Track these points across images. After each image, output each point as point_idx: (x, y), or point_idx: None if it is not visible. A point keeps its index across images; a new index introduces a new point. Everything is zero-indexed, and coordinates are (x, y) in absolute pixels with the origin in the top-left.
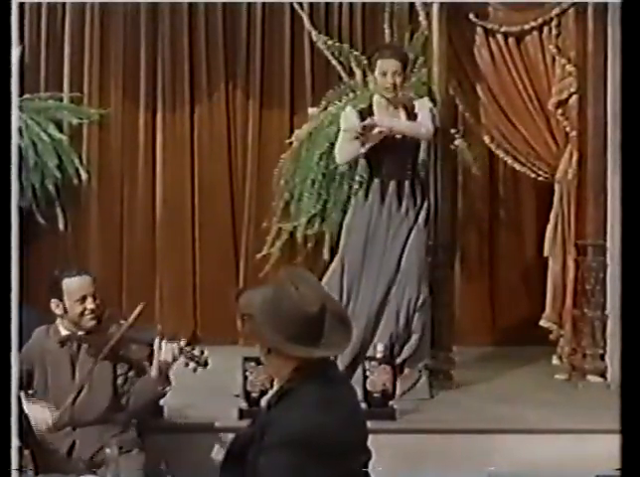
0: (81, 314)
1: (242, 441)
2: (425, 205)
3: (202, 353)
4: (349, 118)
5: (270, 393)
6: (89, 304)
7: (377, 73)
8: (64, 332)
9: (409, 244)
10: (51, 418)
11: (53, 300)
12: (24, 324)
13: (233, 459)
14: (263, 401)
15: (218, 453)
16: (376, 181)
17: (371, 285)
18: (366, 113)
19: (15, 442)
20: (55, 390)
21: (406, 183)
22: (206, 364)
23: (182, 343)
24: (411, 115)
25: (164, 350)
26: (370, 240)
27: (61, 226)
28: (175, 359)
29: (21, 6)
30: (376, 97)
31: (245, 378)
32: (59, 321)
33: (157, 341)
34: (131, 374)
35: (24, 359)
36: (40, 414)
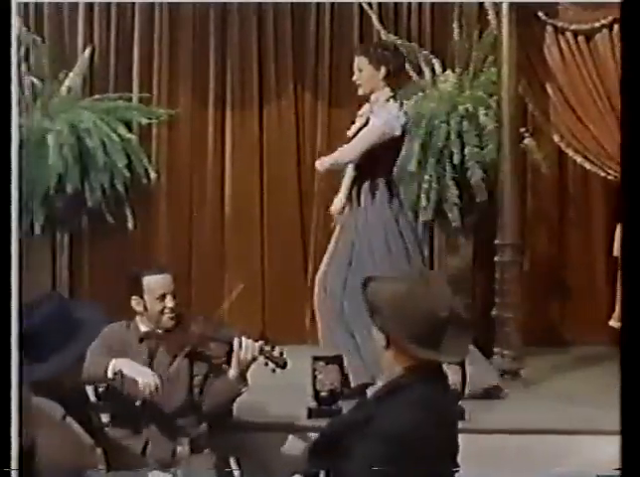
0: (161, 312)
1: (340, 427)
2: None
3: (281, 354)
4: None
5: (378, 385)
6: (169, 302)
7: None
8: (143, 329)
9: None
10: (155, 384)
11: (133, 297)
12: (91, 321)
13: (325, 444)
14: (370, 392)
15: (291, 447)
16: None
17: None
18: None
19: (15, 442)
20: (130, 384)
21: (380, 181)
22: (285, 365)
23: (262, 342)
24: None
25: (244, 348)
26: (348, 240)
27: (130, 225)
28: (255, 358)
29: (90, 7)
30: None
31: (315, 377)
32: (138, 318)
33: (237, 339)
34: (207, 372)
35: (103, 349)
36: (146, 378)
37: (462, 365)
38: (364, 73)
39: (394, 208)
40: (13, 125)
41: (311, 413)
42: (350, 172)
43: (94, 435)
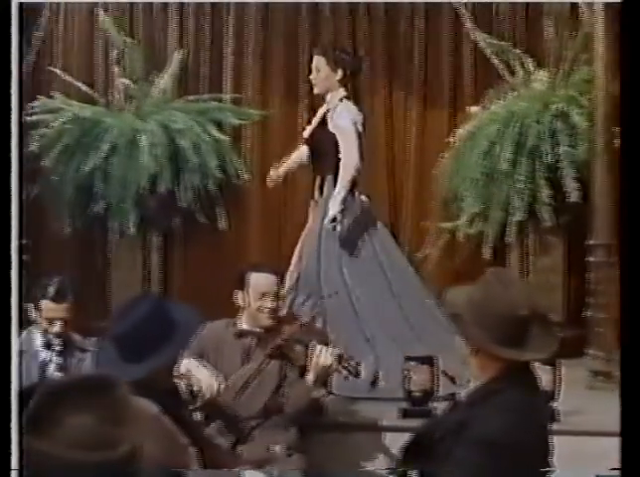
0: (259, 310)
1: (434, 430)
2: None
3: (357, 364)
4: None
5: (470, 389)
6: (268, 303)
7: None
8: (242, 326)
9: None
10: (217, 387)
11: (239, 291)
12: (186, 322)
13: (419, 445)
14: (464, 396)
15: (381, 463)
16: (318, 178)
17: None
18: None
19: (15, 442)
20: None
21: (328, 178)
22: (358, 375)
23: (341, 351)
24: (326, 117)
25: (322, 355)
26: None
27: (222, 225)
28: (330, 366)
29: (181, 7)
30: None
31: (407, 377)
32: (240, 315)
33: (319, 346)
34: (292, 376)
35: (197, 347)
36: (208, 380)
37: (554, 365)
38: (321, 73)
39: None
40: (13, 126)
41: (405, 414)
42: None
43: (188, 434)
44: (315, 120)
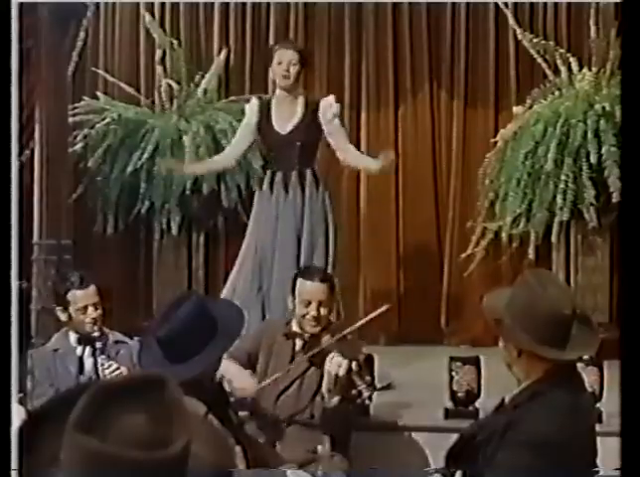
0: (303, 317)
1: (479, 432)
2: (316, 195)
3: (370, 385)
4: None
5: (515, 391)
6: (312, 310)
7: (274, 63)
8: (293, 327)
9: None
10: (253, 388)
11: (290, 296)
12: (229, 319)
13: (463, 446)
14: (507, 398)
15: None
16: (268, 173)
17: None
18: (265, 107)
19: (14, 440)
20: (271, 377)
21: (294, 174)
22: (368, 399)
23: (354, 365)
24: (309, 112)
25: (332, 363)
26: (268, 230)
27: None
28: (338, 377)
29: (226, 7)
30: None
31: (452, 377)
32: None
33: (331, 354)
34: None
35: (252, 342)
36: (244, 380)
37: (599, 366)
38: (297, 67)
39: (319, 200)
40: (13, 127)
41: (448, 414)
42: None
43: (232, 433)
44: (298, 116)
